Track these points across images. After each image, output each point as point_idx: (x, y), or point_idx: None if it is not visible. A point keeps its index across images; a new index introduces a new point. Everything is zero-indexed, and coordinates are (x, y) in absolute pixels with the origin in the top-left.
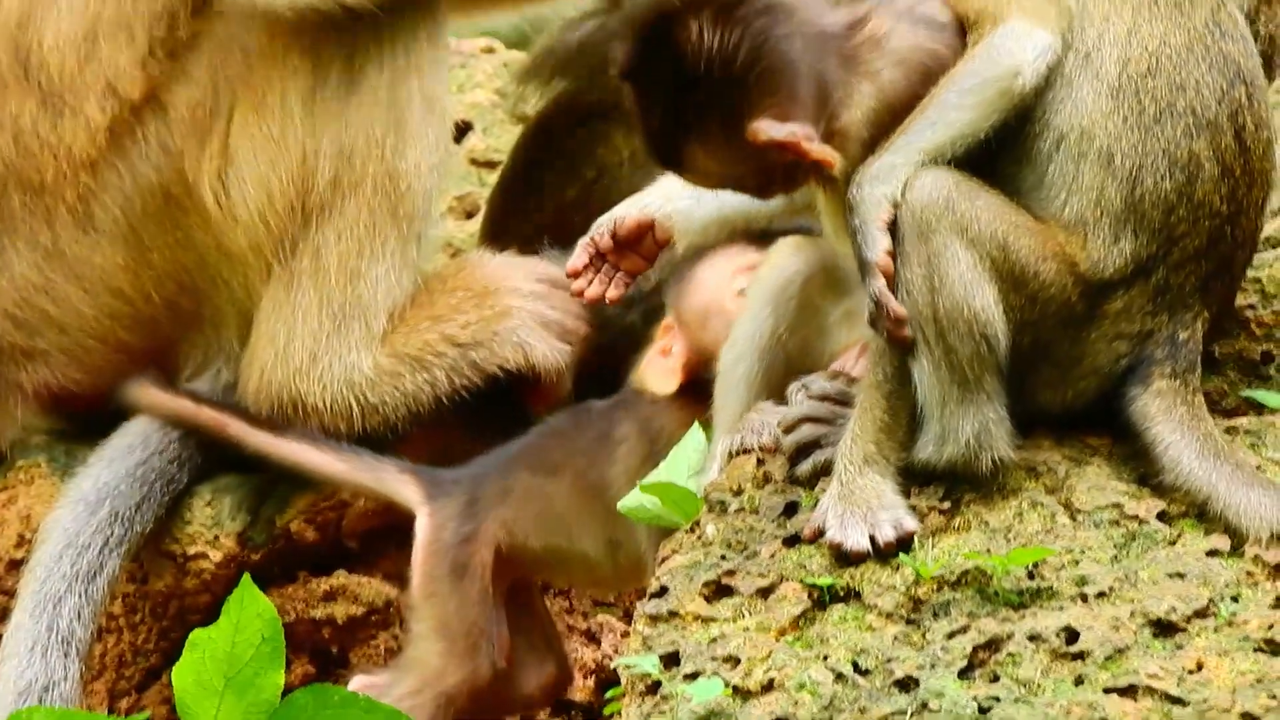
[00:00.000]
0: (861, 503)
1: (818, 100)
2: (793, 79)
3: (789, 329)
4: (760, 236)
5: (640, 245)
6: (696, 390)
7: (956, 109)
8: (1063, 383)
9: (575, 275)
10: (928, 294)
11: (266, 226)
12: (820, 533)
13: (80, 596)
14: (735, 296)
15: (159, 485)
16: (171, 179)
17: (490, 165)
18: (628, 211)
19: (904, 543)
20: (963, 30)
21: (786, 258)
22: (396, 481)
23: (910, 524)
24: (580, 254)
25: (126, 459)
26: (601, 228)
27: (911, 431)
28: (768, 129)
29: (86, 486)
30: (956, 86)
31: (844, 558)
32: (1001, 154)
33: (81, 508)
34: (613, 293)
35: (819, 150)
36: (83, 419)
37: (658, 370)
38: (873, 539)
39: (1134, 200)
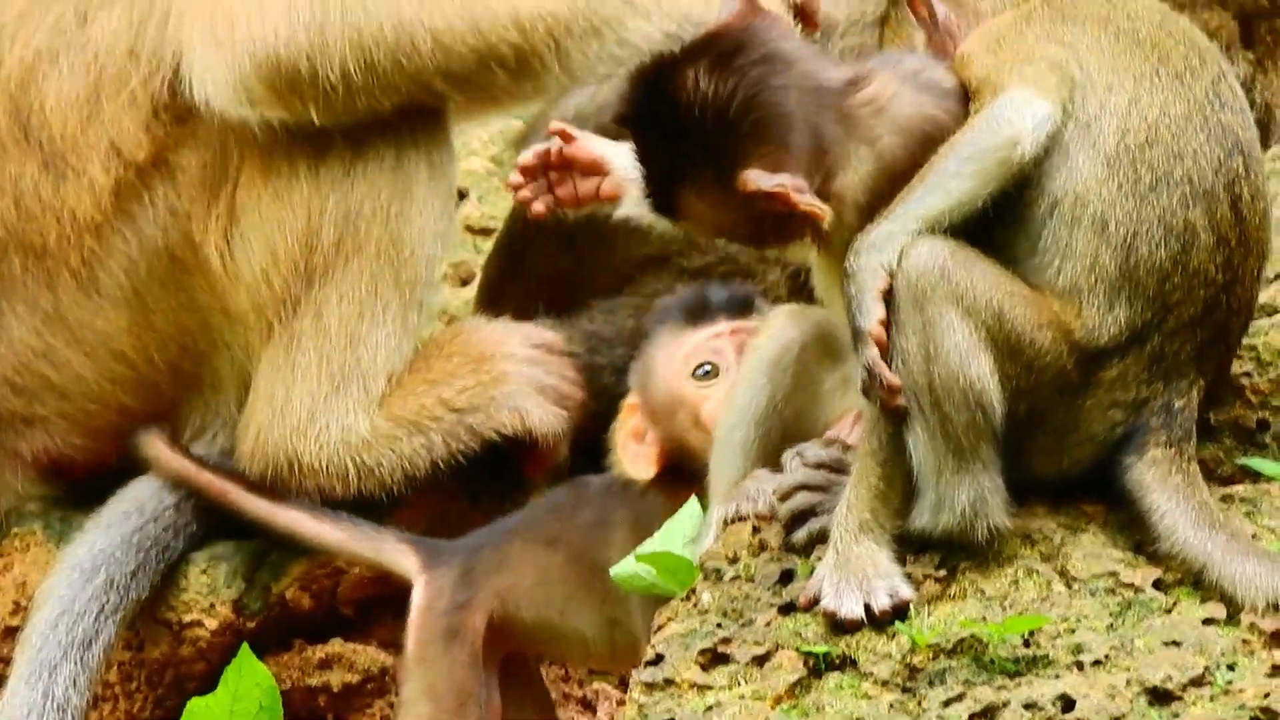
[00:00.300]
0: (857, 571)
1: (812, 155)
2: (786, 130)
3: (785, 397)
4: (701, 311)
5: (585, 181)
6: (679, 473)
7: (955, 177)
8: (1058, 450)
9: (522, 172)
10: (923, 363)
11: (270, 287)
12: (815, 601)
13: (76, 664)
14: (691, 382)
15: (154, 552)
16: (177, 241)
17: (485, 232)
18: (595, 146)
19: (899, 610)
20: (967, 97)
21: (782, 326)
22: (395, 551)
23: (906, 592)
24: (530, 156)
25: (122, 526)
26: (561, 145)
27: (907, 499)
28: (757, 178)
29: (82, 553)
30: (956, 155)
31: (839, 626)
32: (997, 221)
33: (77, 575)
34: (538, 206)
35: (808, 202)
36: (79, 485)
37: (633, 456)
38: (868, 607)
39: (1129, 268)
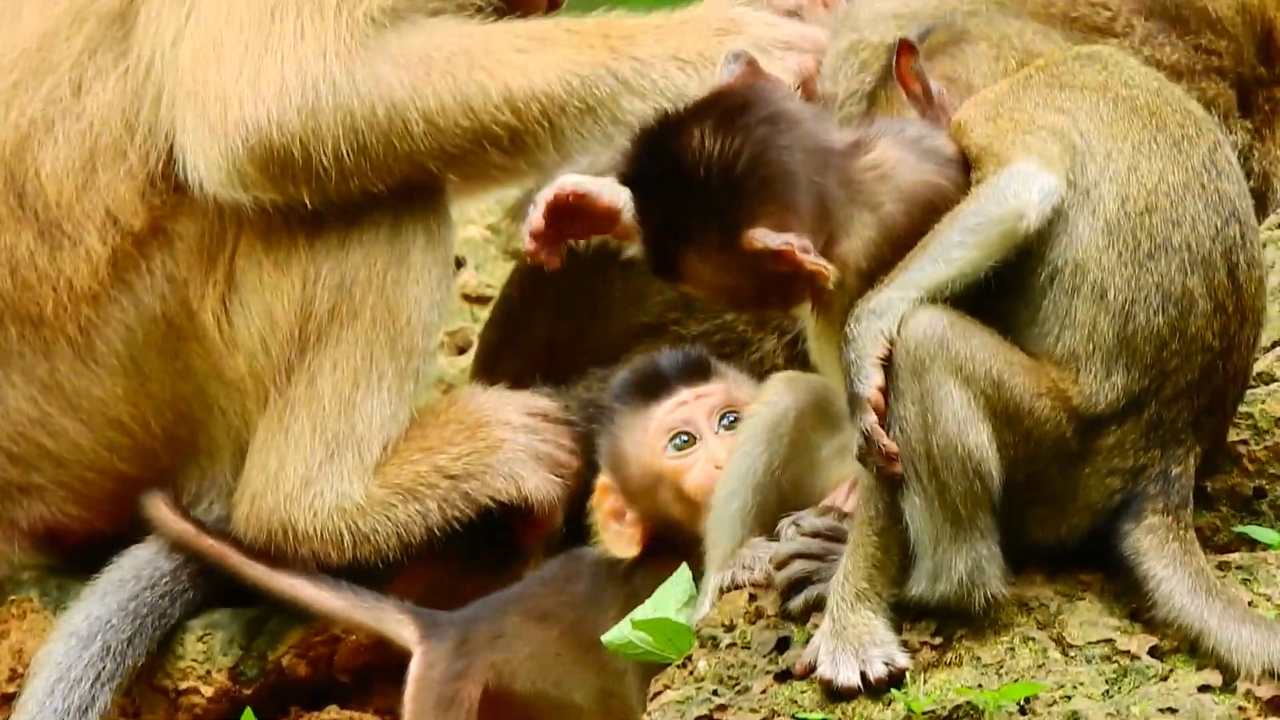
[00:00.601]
0: (853, 639)
1: (816, 215)
2: (792, 190)
3: (782, 464)
4: (657, 383)
5: (597, 222)
6: (665, 546)
7: (959, 247)
8: (1056, 518)
9: (533, 237)
10: (921, 431)
11: (266, 353)
12: (812, 668)
13: None
14: (667, 456)
15: (150, 619)
16: (174, 308)
17: (482, 301)
18: (604, 191)
19: (895, 679)
20: (968, 165)
21: (779, 393)
22: (394, 620)
23: (902, 660)
24: (539, 218)
25: (118, 593)
26: (571, 188)
27: (903, 568)
28: (763, 237)
29: (78, 620)
30: (960, 225)
31: (835, 694)
32: (995, 288)
33: (74, 642)
34: (554, 262)
35: (814, 262)
36: (75, 552)
37: (615, 536)
38: (864, 675)
39: (1127, 334)
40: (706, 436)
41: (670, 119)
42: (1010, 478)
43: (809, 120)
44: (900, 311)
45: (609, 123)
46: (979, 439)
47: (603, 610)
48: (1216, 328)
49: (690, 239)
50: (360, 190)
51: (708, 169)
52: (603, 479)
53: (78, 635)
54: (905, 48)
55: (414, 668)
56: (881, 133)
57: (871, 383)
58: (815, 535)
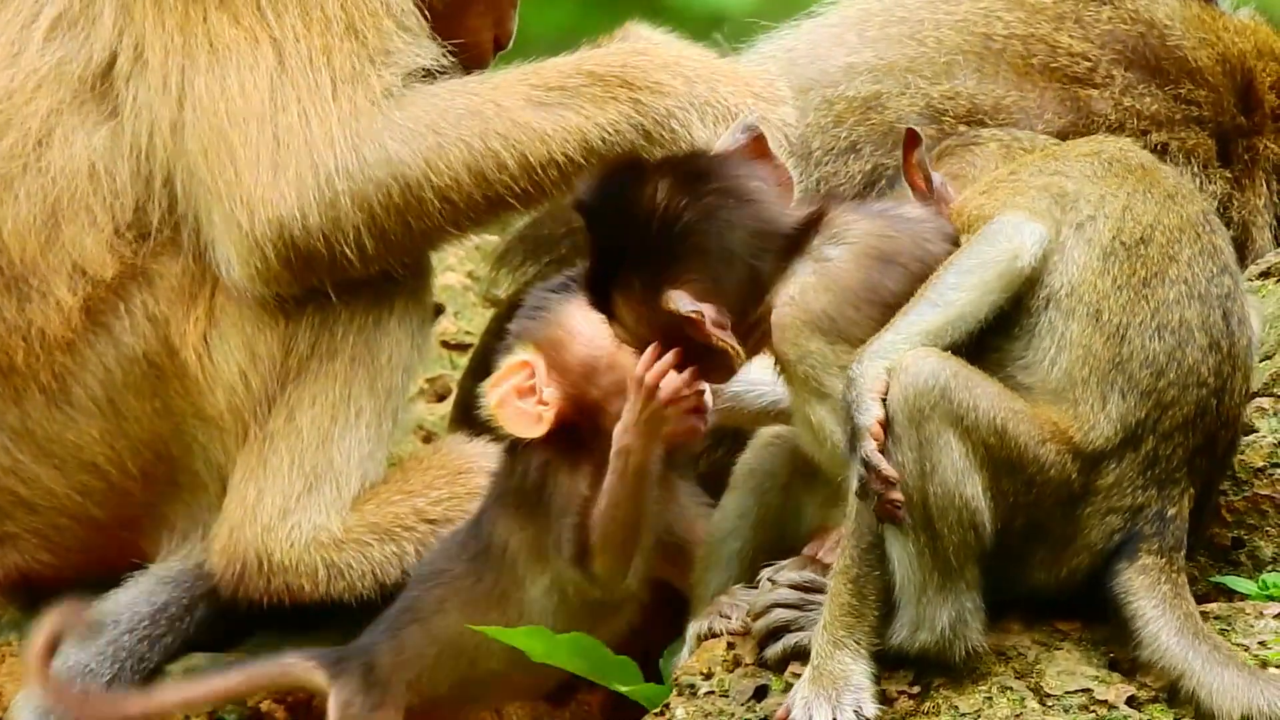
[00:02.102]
0: (829, 685)
1: (744, 295)
2: (722, 265)
3: (769, 516)
4: None
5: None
6: (568, 435)
7: (955, 289)
8: (1057, 562)
9: None
10: (918, 479)
11: (247, 388)
12: (788, 715)
13: None
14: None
15: (130, 664)
16: (154, 347)
17: (461, 348)
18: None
19: None
20: (947, 233)
21: (766, 444)
22: (301, 670)
23: (870, 710)
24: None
25: (97, 638)
26: None
27: (884, 616)
28: (678, 300)
29: (57, 664)
30: (956, 269)
31: None
32: (989, 324)
33: None
34: None
35: (721, 337)
36: (51, 598)
37: (517, 414)
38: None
39: (1122, 359)
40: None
41: (638, 162)
42: (1009, 524)
43: (764, 202)
44: (902, 353)
45: None
46: (976, 490)
47: (500, 557)
48: (1211, 364)
49: (619, 281)
50: (381, 271)
51: (649, 221)
52: (522, 355)
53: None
54: (911, 139)
55: (332, 711)
56: (843, 207)
57: (872, 414)
58: (794, 587)
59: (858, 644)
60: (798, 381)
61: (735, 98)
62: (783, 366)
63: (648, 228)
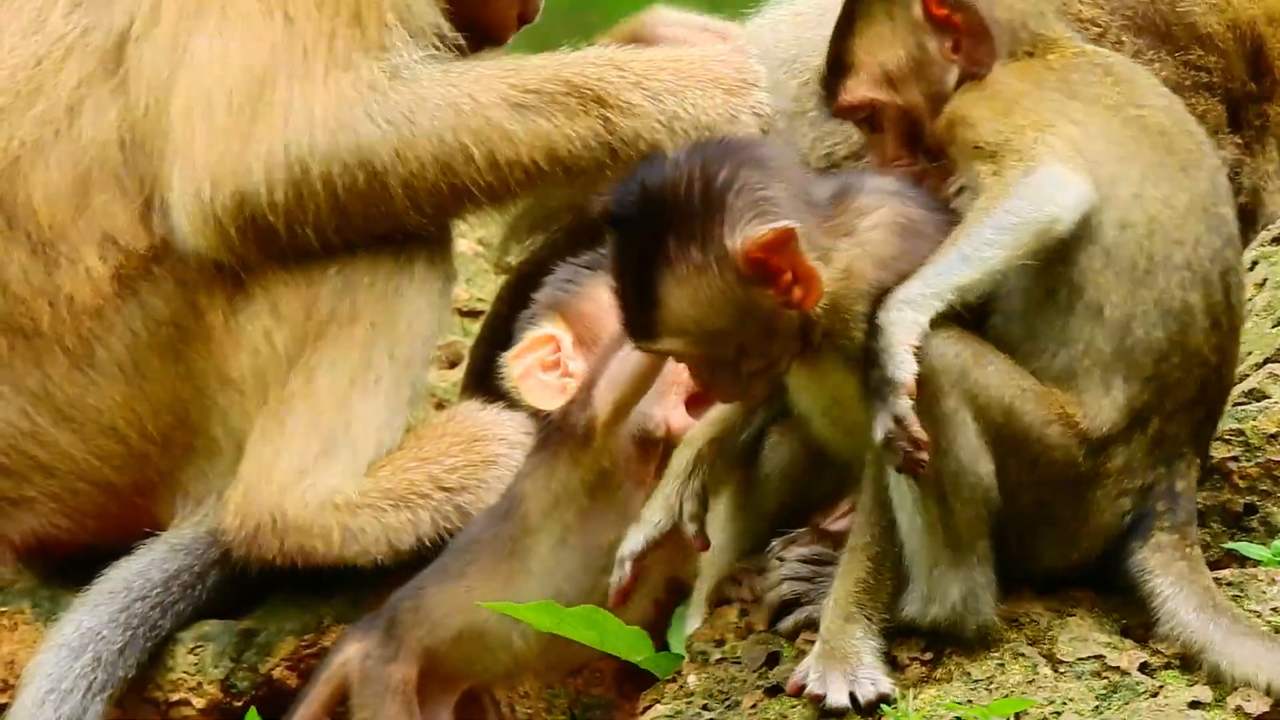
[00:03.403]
0: (841, 660)
1: (802, 231)
2: (776, 190)
3: (782, 498)
4: None
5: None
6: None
7: (991, 245)
8: (1070, 543)
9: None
10: (933, 454)
11: (270, 348)
12: (802, 688)
13: None
14: None
15: (142, 631)
16: (181, 310)
17: (473, 315)
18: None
19: (882, 701)
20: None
21: (776, 443)
22: (337, 658)
23: (885, 686)
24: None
25: (109, 604)
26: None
27: (895, 592)
28: (755, 228)
29: (69, 632)
30: (994, 223)
31: (825, 713)
32: (993, 307)
33: (64, 653)
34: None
35: (807, 263)
36: (66, 564)
37: (540, 386)
38: (853, 695)
39: (1124, 349)
40: None
41: (650, 162)
42: (1019, 505)
43: (793, 169)
44: (934, 308)
45: (590, 183)
46: (989, 467)
47: (519, 519)
48: (1213, 343)
49: (671, 261)
50: (340, 243)
51: (689, 188)
52: (549, 328)
53: (68, 646)
54: None
55: (351, 662)
56: (862, 185)
57: (908, 369)
58: (804, 561)
59: (869, 619)
60: (846, 350)
61: (704, 102)
62: (834, 336)
63: (690, 193)
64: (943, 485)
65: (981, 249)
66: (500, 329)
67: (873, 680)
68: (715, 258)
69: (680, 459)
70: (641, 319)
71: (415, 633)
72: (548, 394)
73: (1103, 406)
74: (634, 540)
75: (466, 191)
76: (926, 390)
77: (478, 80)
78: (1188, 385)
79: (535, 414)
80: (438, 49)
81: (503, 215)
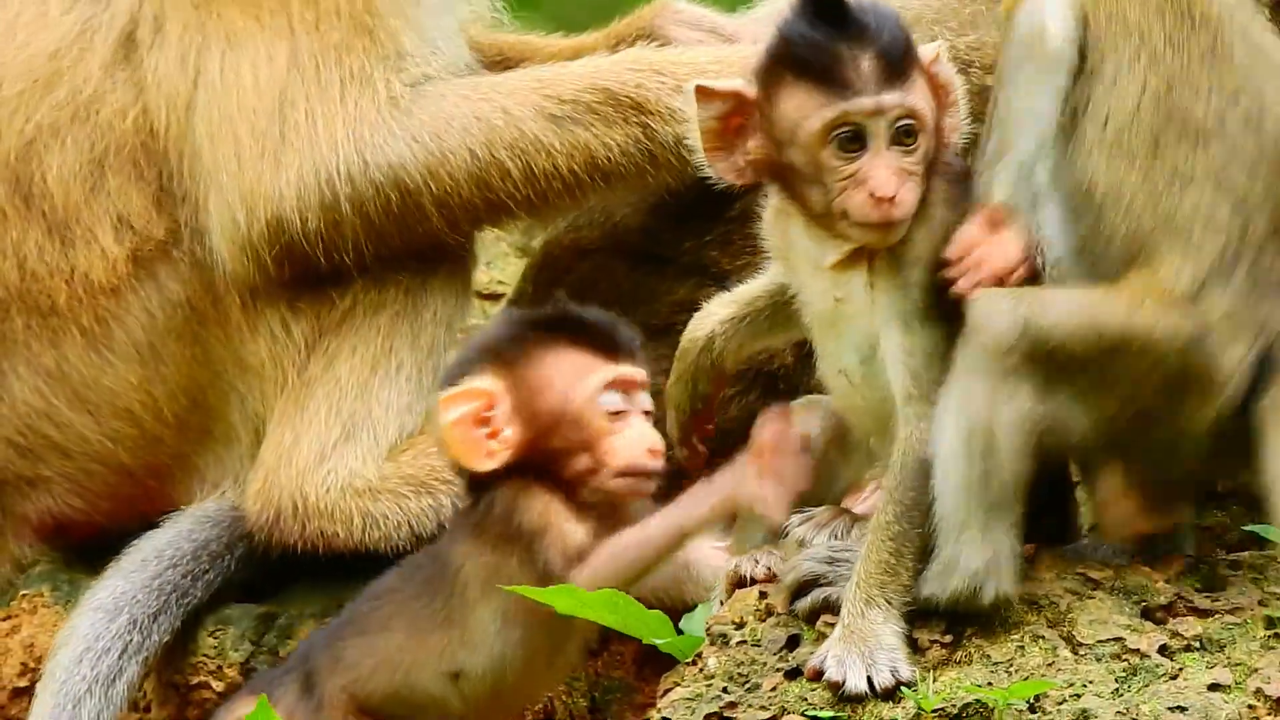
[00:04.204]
0: (861, 643)
1: None
2: None
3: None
4: (613, 346)
5: None
6: (529, 469)
7: (1008, 99)
8: (1204, 404)
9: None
10: (986, 411)
11: (288, 335)
12: (820, 673)
13: (100, 699)
14: (599, 411)
15: (175, 597)
16: (198, 292)
17: (494, 298)
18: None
19: (900, 687)
20: None
21: (804, 416)
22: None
23: (905, 673)
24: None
25: (142, 571)
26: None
27: (917, 575)
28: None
29: (103, 596)
30: (1001, 79)
31: (844, 697)
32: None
33: (100, 615)
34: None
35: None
36: (84, 548)
37: (474, 443)
38: (870, 680)
39: (1179, 207)
40: (635, 417)
41: None
42: (1140, 400)
43: None
44: (1006, 180)
45: (631, 190)
46: (1033, 427)
47: (453, 582)
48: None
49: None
50: (374, 260)
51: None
52: (486, 385)
53: (103, 609)
54: None
55: None
56: None
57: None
58: (825, 535)
59: (889, 603)
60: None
61: None
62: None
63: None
64: (992, 441)
65: (1005, 108)
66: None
67: (892, 666)
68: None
69: None
70: (893, 61)
71: (336, 681)
72: (474, 451)
73: (1184, 263)
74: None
75: (503, 206)
76: (990, 352)
77: (511, 93)
78: (1269, 203)
79: (455, 466)
80: (454, 47)
81: (542, 224)
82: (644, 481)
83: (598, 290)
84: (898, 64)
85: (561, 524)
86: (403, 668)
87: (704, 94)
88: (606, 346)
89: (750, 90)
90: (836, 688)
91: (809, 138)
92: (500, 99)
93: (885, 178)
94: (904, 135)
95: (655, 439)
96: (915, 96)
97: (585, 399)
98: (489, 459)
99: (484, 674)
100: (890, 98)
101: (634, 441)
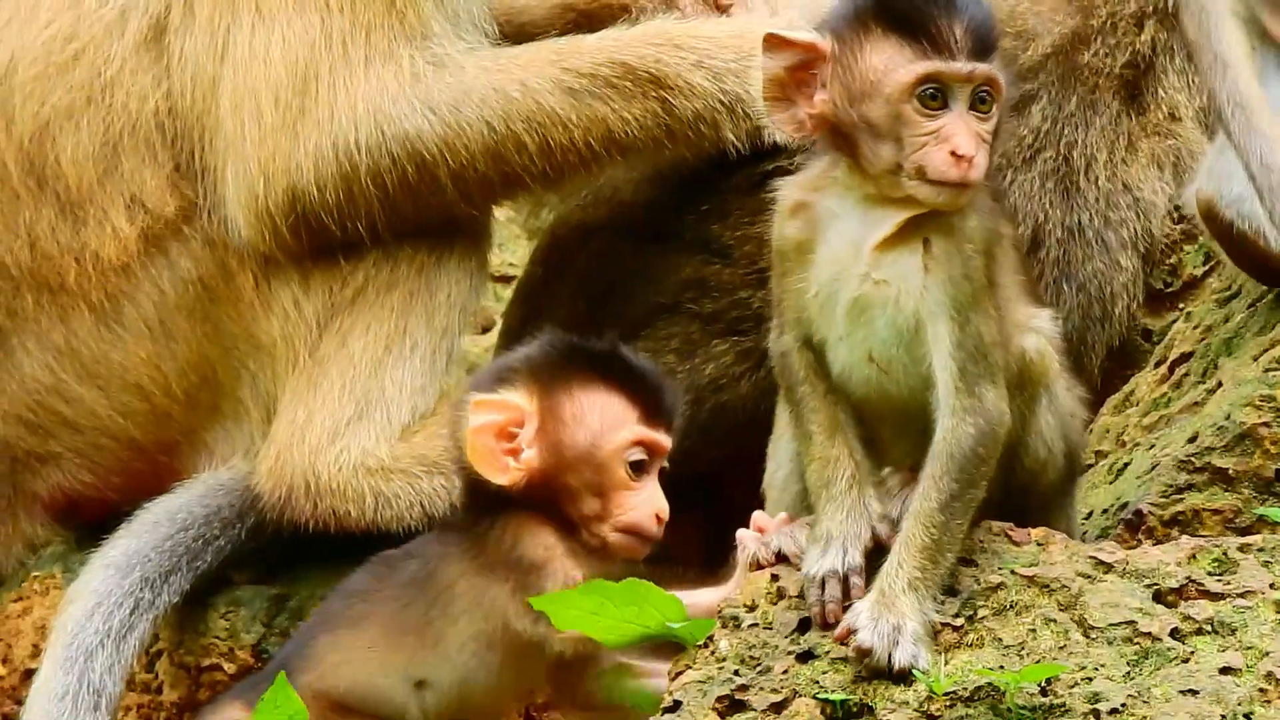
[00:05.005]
0: (896, 616)
1: None
2: None
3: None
4: (657, 407)
5: None
6: (530, 494)
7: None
8: None
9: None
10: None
11: (300, 314)
12: (853, 631)
13: (112, 653)
14: (622, 463)
15: (186, 559)
16: (210, 270)
17: (505, 280)
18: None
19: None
20: None
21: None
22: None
23: (924, 662)
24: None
25: (153, 533)
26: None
27: (952, 568)
28: None
29: (115, 554)
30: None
31: (869, 664)
32: None
33: (111, 571)
34: None
35: None
36: (95, 528)
37: (492, 456)
38: (890, 656)
39: None
40: (651, 482)
41: None
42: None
43: None
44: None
45: (647, 163)
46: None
47: (438, 597)
48: None
49: None
50: (390, 236)
51: None
52: (520, 402)
53: (115, 565)
54: None
55: None
56: None
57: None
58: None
59: (926, 588)
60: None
61: None
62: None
63: None
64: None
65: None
66: (535, 291)
67: (914, 652)
68: None
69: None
70: (986, 31)
71: (303, 678)
72: (491, 463)
73: None
74: (834, 558)
75: (518, 179)
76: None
77: (528, 65)
78: None
79: (463, 467)
80: (481, 29)
81: (557, 197)
82: (642, 544)
83: (605, 272)
84: (989, 35)
85: (562, 562)
86: (368, 667)
87: (775, 43)
88: (650, 406)
89: (825, 43)
90: (864, 654)
91: (897, 90)
92: (518, 72)
93: (968, 137)
94: (980, 102)
95: (664, 507)
96: (997, 69)
97: (613, 449)
98: (501, 474)
99: (450, 688)
100: (981, 67)
101: (645, 502)
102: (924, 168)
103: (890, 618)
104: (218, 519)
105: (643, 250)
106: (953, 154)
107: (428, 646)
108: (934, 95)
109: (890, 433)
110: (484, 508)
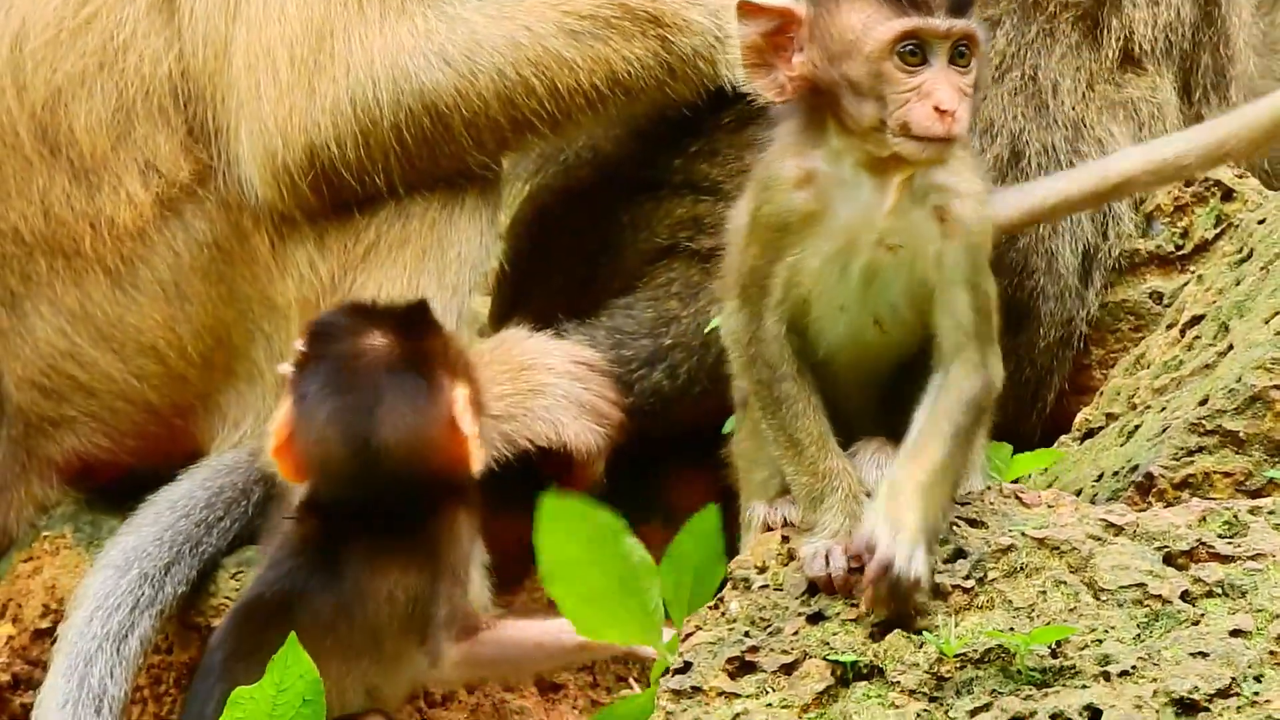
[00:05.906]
0: (902, 537)
1: None
2: None
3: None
4: None
5: None
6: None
7: None
8: None
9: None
10: None
11: (315, 273)
12: (873, 548)
13: (112, 655)
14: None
15: (187, 548)
16: (225, 232)
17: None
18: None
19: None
20: None
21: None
22: None
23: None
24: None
25: (153, 525)
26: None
27: (946, 514)
28: None
29: (114, 553)
30: None
31: (892, 581)
32: None
33: (109, 572)
34: None
35: None
36: (107, 489)
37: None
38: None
39: None
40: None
41: None
42: None
43: None
44: None
45: (651, 103)
46: None
47: (373, 611)
48: None
49: None
50: (405, 190)
51: None
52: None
53: (113, 565)
54: None
55: None
56: None
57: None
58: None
59: (926, 529)
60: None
61: None
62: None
63: None
64: None
65: None
66: (521, 255)
67: (920, 571)
68: None
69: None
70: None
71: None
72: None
73: None
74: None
75: (529, 124)
76: None
77: (531, 10)
78: None
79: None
80: None
81: (565, 141)
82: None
83: (596, 226)
84: None
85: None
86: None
87: (748, 10)
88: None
89: (798, 6)
90: (887, 567)
91: (876, 48)
92: (522, 17)
93: (950, 91)
94: (959, 56)
95: (946, 98)
96: (974, 23)
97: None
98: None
99: (401, 696)
100: (959, 23)
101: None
102: (908, 124)
103: (909, 538)
104: (220, 500)
105: (632, 202)
106: (935, 109)
107: (386, 664)
108: (913, 52)
109: (859, 403)
110: (425, 505)
